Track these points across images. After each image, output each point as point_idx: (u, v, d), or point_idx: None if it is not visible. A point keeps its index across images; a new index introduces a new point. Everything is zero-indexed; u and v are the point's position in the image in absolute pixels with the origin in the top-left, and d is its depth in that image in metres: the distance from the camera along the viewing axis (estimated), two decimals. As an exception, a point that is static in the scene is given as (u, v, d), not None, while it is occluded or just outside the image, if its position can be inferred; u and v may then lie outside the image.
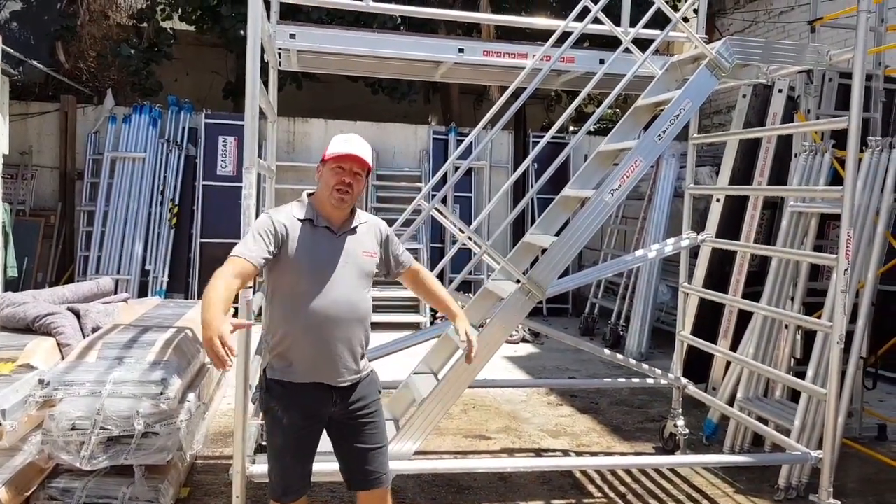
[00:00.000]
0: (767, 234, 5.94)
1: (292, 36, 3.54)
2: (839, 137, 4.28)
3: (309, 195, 2.63)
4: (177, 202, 9.28)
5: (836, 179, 4.62)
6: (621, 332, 8.61)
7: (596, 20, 3.78)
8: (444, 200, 10.23)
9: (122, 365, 3.53)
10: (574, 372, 7.24)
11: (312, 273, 2.49)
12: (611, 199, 3.21)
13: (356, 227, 2.61)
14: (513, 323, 3.31)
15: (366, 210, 9.90)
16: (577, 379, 6.84)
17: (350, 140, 2.55)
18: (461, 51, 3.75)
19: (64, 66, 9.48)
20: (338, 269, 2.51)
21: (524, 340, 8.72)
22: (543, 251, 3.37)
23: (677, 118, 3.25)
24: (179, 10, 10.41)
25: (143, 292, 8.73)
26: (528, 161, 3.74)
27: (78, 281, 8.20)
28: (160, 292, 8.78)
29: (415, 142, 10.48)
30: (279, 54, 3.95)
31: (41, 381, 3.28)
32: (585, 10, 3.81)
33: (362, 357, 2.62)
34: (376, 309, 10.01)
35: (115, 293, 5.68)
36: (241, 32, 9.12)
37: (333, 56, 3.93)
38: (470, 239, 3.48)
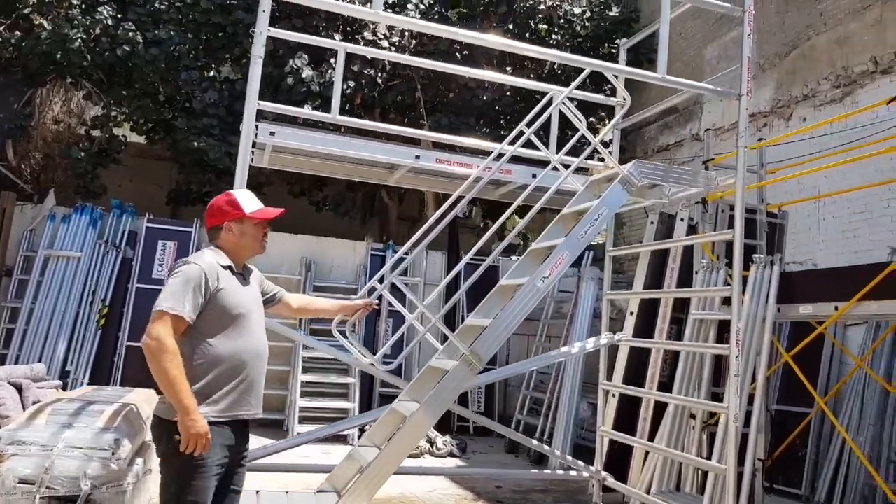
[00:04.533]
0: (674, 358, 6.55)
1: (272, 133, 4.06)
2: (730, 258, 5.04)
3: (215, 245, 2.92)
4: (107, 303, 9.25)
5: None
6: (545, 448, 8.90)
7: (530, 143, 4.50)
8: (377, 313, 10.67)
9: (73, 428, 3.63)
10: (501, 482, 7.40)
11: (242, 315, 2.79)
12: (542, 285, 3.73)
13: (249, 272, 3.01)
14: (454, 391, 3.66)
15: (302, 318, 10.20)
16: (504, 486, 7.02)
17: (256, 200, 3.01)
18: (417, 157, 4.36)
19: (10, 163, 9.66)
20: (255, 311, 2.91)
21: (451, 455, 8.85)
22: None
23: (596, 221, 3.89)
24: (132, 122, 10.90)
25: (63, 390, 8.48)
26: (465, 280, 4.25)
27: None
28: (82, 391, 8.55)
29: (353, 257, 10.96)
30: (252, 151, 4.44)
31: (-6, 435, 3.34)
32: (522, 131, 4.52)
33: None
34: (305, 394, 9.80)
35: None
36: (194, 144, 9.63)
37: (301, 156, 4.45)
38: (419, 321, 3.88)
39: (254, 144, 3.81)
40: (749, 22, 4.06)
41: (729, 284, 5.36)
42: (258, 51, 3.44)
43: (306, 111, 4.57)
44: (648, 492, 5.31)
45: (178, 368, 2.56)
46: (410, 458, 8.17)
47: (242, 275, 2.92)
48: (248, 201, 2.96)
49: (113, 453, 3.46)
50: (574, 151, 4.66)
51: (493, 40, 4.05)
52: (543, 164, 4.77)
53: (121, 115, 10.65)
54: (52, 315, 8.97)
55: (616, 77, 4.59)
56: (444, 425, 10.24)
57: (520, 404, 10.02)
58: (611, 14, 11.56)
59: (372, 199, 13.65)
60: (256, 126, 3.72)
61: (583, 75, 4.36)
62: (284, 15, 9.43)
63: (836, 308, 4.56)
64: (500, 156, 4.43)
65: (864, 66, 8.05)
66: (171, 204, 12.40)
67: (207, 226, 2.96)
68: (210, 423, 2.61)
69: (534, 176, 4.61)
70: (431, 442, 8.98)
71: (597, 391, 5.39)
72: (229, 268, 2.84)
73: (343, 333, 4.00)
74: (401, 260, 4.43)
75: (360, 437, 4.03)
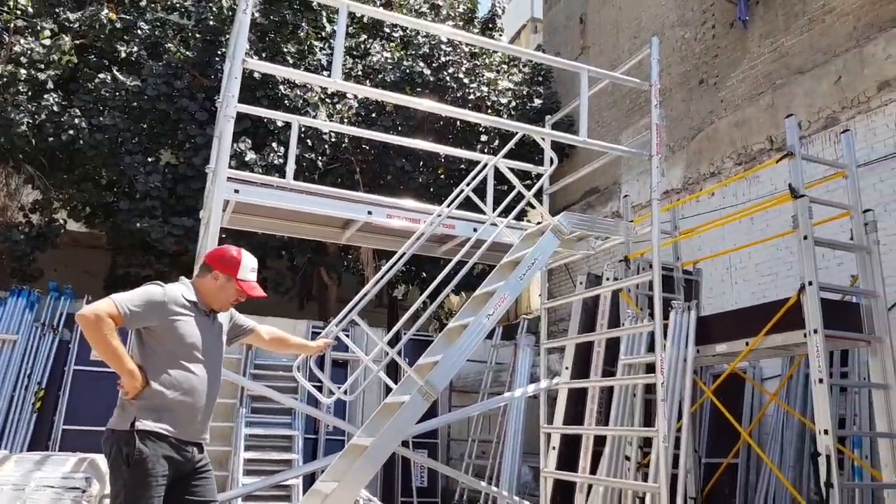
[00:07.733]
0: (606, 408, 6.93)
1: (236, 191, 4.40)
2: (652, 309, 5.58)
3: (191, 280, 3.18)
4: (43, 386, 9.03)
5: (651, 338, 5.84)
6: (489, 514, 9.01)
7: (470, 202, 5.01)
8: (319, 389, 10.72)
9: (43, 470, 3.70)
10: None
11: (197, 348, 3.00)
12: (487, 322, 4.12)
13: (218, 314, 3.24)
14: (411, 420, 3.93)
15: (241, 396, 10.16)
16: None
17: (255, 274, 3.25)
18: (370, 213, 4.77)
19: (-54, 247, 9.55)
20: (213, 349, 3.10)
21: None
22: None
23: (532, 265, 4.35)
24: (69, 208, 10.96)
25: (-7, 476, 8.12)
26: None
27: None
28: (13, 477, 8.21)
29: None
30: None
31: (-35, 474, 3.40)
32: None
33: None
34: (249, 448, 9.76)
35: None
36: (136, 225, 9.78)
37: (259, 217, 4.80)
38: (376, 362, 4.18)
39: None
40: (655, 94, 4.77)
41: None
42: (230, 111, 3.86)
43: (264, 177, 4.98)
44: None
45: (118, 340, 2.75)
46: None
47: (206, 314, 3.11)
48: (247, 268, 3.19)
49: (84, 491, 3.54)
50: (509, 209, 5.18)
51: (433, 106, 4.63)
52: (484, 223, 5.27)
53: (58, 200, 10.71)
54: (-16, 399, 8.69)
55: (543, 139, 5.23)
56: (387, 501, 10.20)
57: (463, 471, 10.09)
58: (533, 105, 12.67)
59: (310, 280, 13.87)
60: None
61: (515, 138, 4.97)
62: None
63: (747, 343, 5.11)
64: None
65: (761, 144, 9.10)
66: (108, 289, 12.33)
67: (204, 261, 3.20)
68: (153, 434, 2.80)
69: (475, 230, 5.08)
70: (377, 515, 8.97)
71: (537, 458, 5.69)
72: (194, 303, 3.05)
73: (305, 372, 4.23)
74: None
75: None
